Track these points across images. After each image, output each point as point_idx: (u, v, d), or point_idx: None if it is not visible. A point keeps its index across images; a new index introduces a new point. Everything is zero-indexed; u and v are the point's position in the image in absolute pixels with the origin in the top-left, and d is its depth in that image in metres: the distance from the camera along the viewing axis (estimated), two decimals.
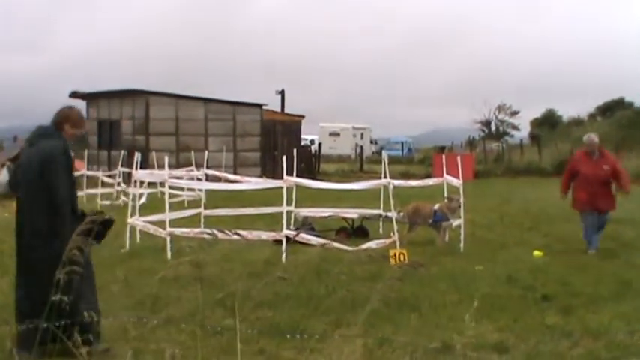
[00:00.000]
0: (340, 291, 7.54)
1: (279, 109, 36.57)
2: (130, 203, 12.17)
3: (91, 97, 33.23)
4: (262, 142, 32.98)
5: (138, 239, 11.65)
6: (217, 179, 14.33)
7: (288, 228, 10.78)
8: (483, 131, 66.55)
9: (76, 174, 20.71)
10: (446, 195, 12.30)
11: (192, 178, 15.73)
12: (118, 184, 19.84)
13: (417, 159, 47.57)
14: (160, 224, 10.97)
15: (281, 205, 10.75)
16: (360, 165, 41.58)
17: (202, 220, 12.98)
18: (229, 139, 31.43)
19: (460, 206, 11.76)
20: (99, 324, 5.24)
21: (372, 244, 10.45)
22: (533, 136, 50.91)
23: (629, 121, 40.12)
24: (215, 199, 16.10)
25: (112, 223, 5.49)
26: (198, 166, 17.98)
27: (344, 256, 9.89)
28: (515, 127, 67.30)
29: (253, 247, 10.81)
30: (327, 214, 13.44)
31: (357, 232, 12.80)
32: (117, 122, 31.69)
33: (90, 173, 21.37)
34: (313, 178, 23.89)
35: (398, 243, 10.41)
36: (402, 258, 9.53)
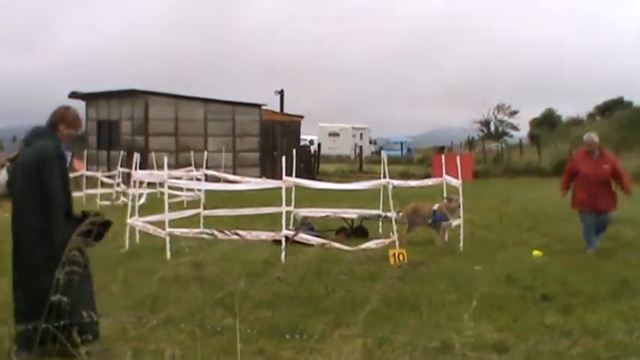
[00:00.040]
0: (340, 291, 7.55)
1: (278, 110, 36.58)
2: (130, 203, 12.17)
3: (90, 98, 33.23)
4: (262, 143, 32.98)
5: (137, 239, 11.64)
6: (217, 179, 14.33)
7: (287, 228, 10.79)
8: (482, 131, 66.50)
9: (76, 174, 20.76)
10: (445, 195, 12.31)
11: (191, 179, 15.70)
12: (118, 185, 19.83)
13: (417, 159, 47.49)
14: (160, 224, 10.97)
15: (280, 205, 10.75)
16: (360, 165, 41.55)
17: (202, 220, 12.99)
18: (229, 140, 31.43)
19: (459, 206, 11.76)
20: (97, 324, 5.25)
21: (371, 244, 10.45)
22: (532, 136, 50.86)
23: (629, 120, 40.04)
24: (214, 199, 16.10)
25: (110, 225, 5.52)
26: (198, 166, 17.97)
27: (343, 256, 9.89)
28: (515, 127, 67.28)
29: (253, 247, 10.80)
30: (324, 214, 13.44)
31: (357, 232, 12.80)
32: (116, 122, 31.69)
33: (89, 173, 21.30)
34: (312, 178, 23.91)
35: (397, 243, 10.42)
36: (401, 258, 9.54)
